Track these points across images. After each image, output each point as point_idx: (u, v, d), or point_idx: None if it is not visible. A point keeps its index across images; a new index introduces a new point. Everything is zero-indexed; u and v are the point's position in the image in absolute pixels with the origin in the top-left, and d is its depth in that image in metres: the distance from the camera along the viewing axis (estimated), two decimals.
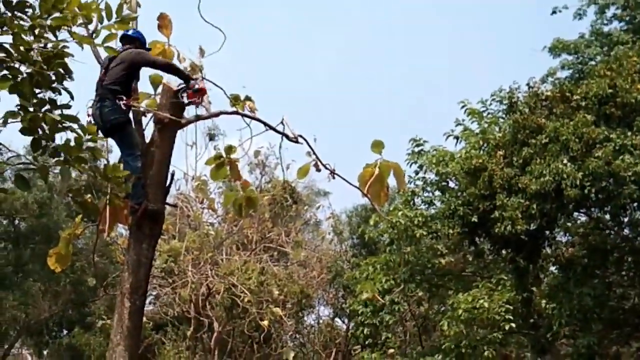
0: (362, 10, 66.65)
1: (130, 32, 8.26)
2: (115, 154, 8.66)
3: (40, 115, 5.55)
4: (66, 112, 5.74)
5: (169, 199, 8.29)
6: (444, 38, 67.05)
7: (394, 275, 21.73)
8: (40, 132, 5.66)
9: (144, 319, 23.70)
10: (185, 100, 8.07)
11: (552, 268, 22.76)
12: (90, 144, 6.03)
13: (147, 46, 8.50)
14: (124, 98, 7.95)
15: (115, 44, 7.66)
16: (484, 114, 21.96)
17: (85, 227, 8.30)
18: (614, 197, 18.95)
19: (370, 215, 25.13)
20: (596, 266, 20.81)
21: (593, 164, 18.29)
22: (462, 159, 20.46)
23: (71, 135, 5.83)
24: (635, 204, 19.66)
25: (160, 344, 27.63)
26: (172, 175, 8.11)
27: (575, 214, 21.30)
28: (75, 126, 5.78)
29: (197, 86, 8.07)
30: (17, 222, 32.14)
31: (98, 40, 6.82)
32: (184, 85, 8.12)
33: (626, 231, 20.84)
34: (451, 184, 21.84)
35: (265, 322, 22.56)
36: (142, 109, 8.20)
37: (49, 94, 5.62)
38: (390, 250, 22.28)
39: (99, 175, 6.20)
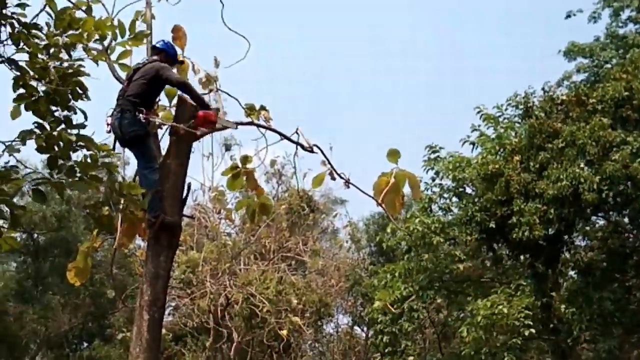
0: (384, 12, 66.59)
1: (158, 44, 8.29)
2: (133, 165, 8.70)
3: (56, 134, 5.58)
4: (82, 131, 5.78)
5: (186, 211, 8.33)
6: (458, 42, 66.91)
7: (412, 283, 21.67)
8: (56, 150, 5.70)
9: (163, 330, 23.83)
10: (192, 122, 8.05)
11: (571, 273, 22.64)
12: (107, 160, 6.07)
13: (177, 57, 8.51)
14: (144, 111, 7.97)
15: (130, 61, 7.70)
16: (500, 119, 21.90)
17: (103, 240, 8.35)
18: (632, 200, 18.91)
19: (388, 223, 25.11)
20: (615, 270, 20.71)
21: (610, 167, 18.23)
22: (479, 164, 20.43)
23: (86, 152, 5.87)
24: None
25: (179, 355, 27.65)
26: (189, 186, 8.14)
27: (594, 218, 21.24)
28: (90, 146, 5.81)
29: (211, 117, 8.06)
30: (35, 236, 32.29)
31: (113, 57, 6.86)
32: (196, 108, 8.10)
33: None
34: (468, 190, 21.79)
35: (284, 332, 22.57)
36: (158, 121, 8.24)
37: (64, 113, 5.66)
38: (408, 257, 22.22)
39: (115, 192, 6.23)
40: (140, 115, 7.91)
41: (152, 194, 7.64)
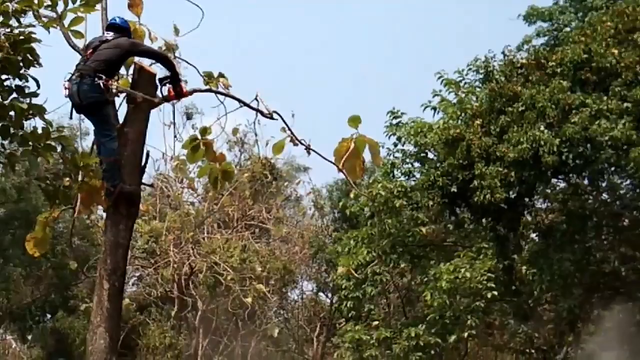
0: None
1: (118, 21, 8.17)
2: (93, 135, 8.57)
3: (8, 103, 5.48)
4: (34, 100, 5.67)
5: (148, 179, 8.26)
6: (418, 9, 66.84)
7: (375, 248, 21.76)
8: (8, 119, 5.59)
9: (127, 300, 23.78)
10: (161, 94, 8.00)
11: (533, 235, 22.90)
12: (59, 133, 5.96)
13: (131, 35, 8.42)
14: (104, 77, 7.86)
15: (86, 29, 7.56)
16: (461, 84, 21.93)
17: (62, 210, 8.24)
18: (591, 162, 19.13)
19: (351, 189, 25.14)
20: (575, 231, 20.96)
21: (570, 129, 18.40)
22: (440, 129, 20.48)
23: (39, 122, 5.77)
24: (613, 169, 19.81)
25: (144, 325, 27.65)
26: (147, 155, 8.03)
27: (554, 180, 21.42)
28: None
29: (183, 89, 8.02)
30: None
31: (65, 24, 6.72)
32: (168, 79, 8.05)
33: (604, 196, 21.01)
34: (430, 155, 21.87)
35: (249, 299, 22.63)
36: (115, 89, 8.13)
37: (16, 82, 5.55)
38: (371, 223, 22.29)
39: (69, 163, 6.13)
40: (100, 81, 7.79)
41: (110, 162, 7.56)
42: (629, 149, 18.46)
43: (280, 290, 29.65)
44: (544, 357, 26.06)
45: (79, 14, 6.65)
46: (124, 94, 8.05)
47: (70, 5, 6.31)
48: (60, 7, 6.93)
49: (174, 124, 8.71)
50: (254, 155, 28.57)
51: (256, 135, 26.26)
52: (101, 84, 7.79)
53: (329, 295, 31.94)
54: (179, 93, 8.07)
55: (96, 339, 7.32)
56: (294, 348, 33.35)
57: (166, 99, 8.09)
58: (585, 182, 21.05)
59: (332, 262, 27.32)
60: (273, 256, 26.52)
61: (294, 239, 29.37)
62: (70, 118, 8.11)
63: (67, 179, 7.18)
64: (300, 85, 57.47)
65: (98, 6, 7.50)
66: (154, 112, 8.17)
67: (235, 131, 27.67)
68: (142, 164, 7.96)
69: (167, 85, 8.10)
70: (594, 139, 18.47)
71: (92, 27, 8.11)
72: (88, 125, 8.30)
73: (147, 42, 8.70)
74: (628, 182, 20.57)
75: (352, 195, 23.13)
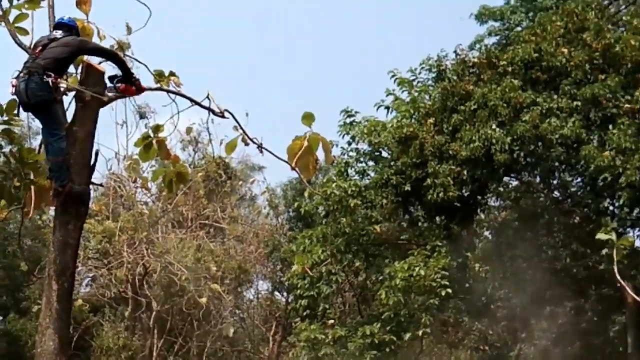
0: None
1: (66, 20, 8.09)
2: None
3: None
4: None
5: (99, 179, 8.19)
6: (371, 8, 67.08)
7: (330, 247, 21.80)
8: None
9: (81, 301, 23.51)
10: (115, 90, 7.95)
11: (486, 233, 23.12)
12: (5, 126, 5.89)
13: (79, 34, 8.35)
14: (52, 75, 7.77)
15: (32, 25, 7.48)
16: (414, 83, 22.06)
17: (9, 210, 8.13)
18: (542, 160, 19.35)
19: (305, 188, 25.16)
20: (528, 229, 21.21)
21: (521, 128, 18.59)
22: (394, 128, 20.57)
23: None
24: (563, 167, 20.06)
25: (98, 326, 27.39)
26: (97, 154, 7.95)
27: (506, 178, 21.65)
28: None
29: (141, 84, 7.99)
30: None
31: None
32: (120, 77, 7.99)
33: (556, 193, 21.27)
34: (384, 154, 21.96)
35: (204, 299, 22.49)
36: (63, 87, 8.04)
37: None
38: (326, 222, 22.33)
39: (14, 160, 6.06)
40: (49, 79, 7.70)
41: (58, 162, 7.48)
42: (579, 147, 18.70)
43: (236, 290, 29.57)
44: (498, 354, 26.32)
45: (24, 10, 6.56)
46: (72, 93, 7.99)
47: (15, 2, 6.23)
48: (5, 4, 6.85)
49: (126, 123, 8.68)
50: (208, 154, 28.47)
51: (210, 134, 26.21)
52: (50, 82, 7.71)
53: (285, 294, 31.95)
54: (139, 88, 8.03)
55: (45, 340, 7.24)
56: (250, 348, 33.29)
57: (124, 94, 8.03)
58: (537, 180, 21.30)
59: (287, 261, 27.31)
60: (228, 255, 26.44)
61: (249, 238, 29.31)
62: (17, 116, 8.01)
63: (16, 178, 7.10)
64: (256, 85, 57.36)
65: (44, 3, 7.42)
66: (106, 112, 8.12)
67: (188, 130, 27.72)
68: (92, 163, 7.89)
69: (120, 83, 8.04)
70: (544, 137, 18.67)
71: (40, 25, 8.04)
72: (39, 124, 8.23)
73: (95, 40, 8.64)
74: (579, 179, 20.84)
75: (306, 195, 23.14)
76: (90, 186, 7.96)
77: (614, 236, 5.71)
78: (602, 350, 23.75)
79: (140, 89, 8.11)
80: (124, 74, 8.03)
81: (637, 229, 18.92)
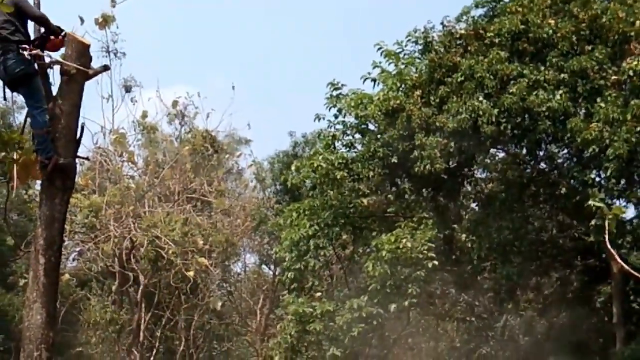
0: None
1: None
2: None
3: None
4: None
5: (86, 153, 8.17)
6: None
7: (317, 220, 21.80)
8: None
9: (68, 275, 23.49)
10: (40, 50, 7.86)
11: (472, 204, 23.17)
12: None
13: None
14: (28, 48, 7.70)
15: None
16: (401, 55, 21.96)
17: None
18: (529, 132, 19.34)
19: (292, 161, 25.16)
20: (514, 200, 21.24)
21: (508, 100, 18.57)
22: (380, 101, 20.51)
23: None
24: (550, 139, 20.07)
25: (85, 300, 27.41)
26: (83, 127, 7.94)
27: (493, 150, 21.67)
28: None
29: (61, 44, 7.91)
30: None
31: None
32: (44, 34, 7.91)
33: (542, 165, 21.29)
34: (370, 127, 21.90)
35: (191, 273, 22.47)
36: (48, 61, 7.98)
37: None
38: (313, 195, 22.34)
39: None
40: (25, 52, 7.64)
41: (42, 135, 7.46)
42: (566, 119, 18.70)
43: (223, 263, 29.62)
44: (484, 325, 26.48)
45: None
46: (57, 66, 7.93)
47: None
48: None
49: (112, 97, 8.60)
50: (195, 127, 28.39)
51: (196, 108, 26.27)
52: (26, 55, 7.66)
53: (272, 267, 32.04)
54: (57, 44, 7.91)
55: (33, 314, 7.25)
56: (238, 321, 33.41)
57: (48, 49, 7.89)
58: (524, 151, 21.30)
59: (274, 235, 27.35)
60: (215, 229, 26.42)
61: (236, 211, 29.30)
62: (5, 99, 8.02)
63: (3, 153, 7.07)
64: (242, 56, 57.13)
65: None
66: (92, 86, 8.06)
67: (175, 104, 27.71)
68: (78, 136, 7.86)
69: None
70: (531, 110, 18.67)
71: None
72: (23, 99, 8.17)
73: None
74: (565, 151, 20.85)
75: (293, 168, 23.11)
76: (77, 160, 7.94)
77: (604, 206, 5.73)
78: (587, 321, 23.89)
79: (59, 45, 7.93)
80: (51, 31, 7.91)
81: (623, 200, 18.97)
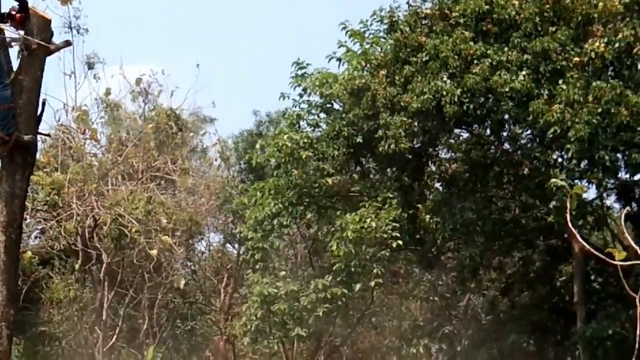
0: None
1: None
2: None
3: None
4: None
5: (49, 130, 8.08)
6: None
7: (282, 199, 21.81)
8: None
9: (30, 253, 23.29)
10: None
11: (437, 184, 23.28)
12: None
13: None
14: None
15: None
16: (366, 35, 21.93)
17: None
18: (492, 112, 19.44)
19: (257, 140, 25.13)
20: (478, 181, 21.43)
21: (471, 80, 18.63)
22: (345, 80, 20.51)
23: None
24: (513, 120, 20.20)
25: (48, 278, 27.22)
26: (44, 103, 7.86)
27: (457, 130, 21.77)
28: None
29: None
30: None
31: None
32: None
33: (506, 146, 21.41)
34: (335, 106, 21.93)
35: (155, 251, 22.28)
36: (8, 37, 7.87)
37: None
38: (277, 174, 22.31)
39: None
40: None
41: (4, 110, 7.37)
42: (528, 101, 18.80)
43: (187, 242, 29.54)
44: (447, 304, 26.76)
45: None
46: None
47: None
48: None
49: (75, 74, 8.52)
50: (159, 105, 28.18)
51: (160, 85, 26.05)
52: None
53: (236, 246, 31.98)
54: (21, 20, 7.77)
55: None
56: (201, 299, 33.38)
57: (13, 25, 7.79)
58: (487, 132, 21.43)
59: (238, 214, 27.31)
60: (179, 208, 26.35)
61: (200, 190, 29.23)
62: None
63: None
64: (208, 35, 56.75)
65: None
66: (54, 62, 7.97)
67: (138, 81, 27.45)
68: (39, 112, 7.78)
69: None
70: (494, 90, 18.74)
71: None
72: None
73: None
74: (528, 132, 20.99)
75: (258, 146, 23.08)
76: (38, 136, 7.86)
77: (566, 185, 5.78)
78: (549, 300, 24.22)
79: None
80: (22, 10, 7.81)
81: (585, 181, 19.15)
